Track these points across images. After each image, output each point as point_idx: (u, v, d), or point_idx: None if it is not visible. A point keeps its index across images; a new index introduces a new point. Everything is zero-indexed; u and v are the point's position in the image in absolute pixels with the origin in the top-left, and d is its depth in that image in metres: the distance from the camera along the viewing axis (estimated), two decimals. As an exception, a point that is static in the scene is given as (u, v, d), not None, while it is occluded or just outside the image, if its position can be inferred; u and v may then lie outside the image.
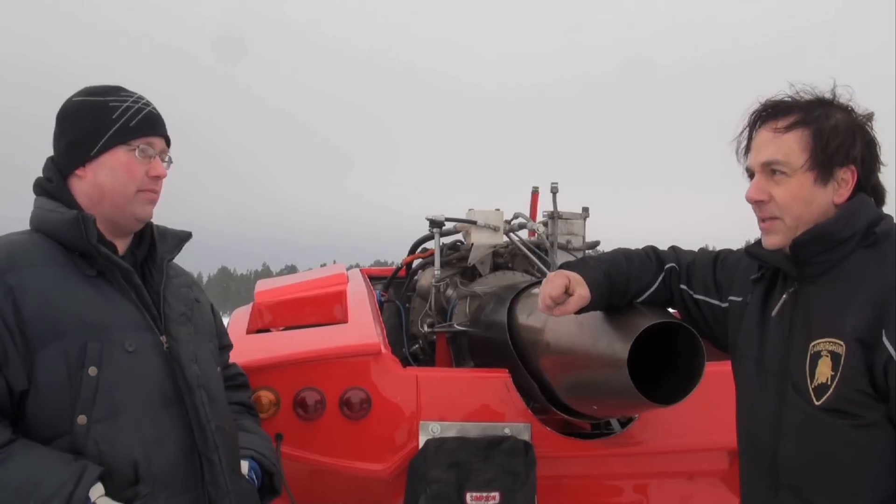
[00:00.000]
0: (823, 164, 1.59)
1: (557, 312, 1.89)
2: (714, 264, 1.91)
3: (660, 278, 1.96)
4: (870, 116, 1.64)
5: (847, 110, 1.63)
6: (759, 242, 1.71)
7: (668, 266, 1.97)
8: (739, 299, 1.81)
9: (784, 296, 1.66)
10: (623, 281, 1.93)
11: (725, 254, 1.92)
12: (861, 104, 1.64)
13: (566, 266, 1.96)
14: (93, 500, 1.47)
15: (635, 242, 2.06)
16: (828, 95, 1.64)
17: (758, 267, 1.76)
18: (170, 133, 1.78)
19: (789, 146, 1.60)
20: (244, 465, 1.83)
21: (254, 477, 1.85)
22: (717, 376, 2.06)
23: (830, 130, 1.59)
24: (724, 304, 1.85)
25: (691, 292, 1.92)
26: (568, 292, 1.86)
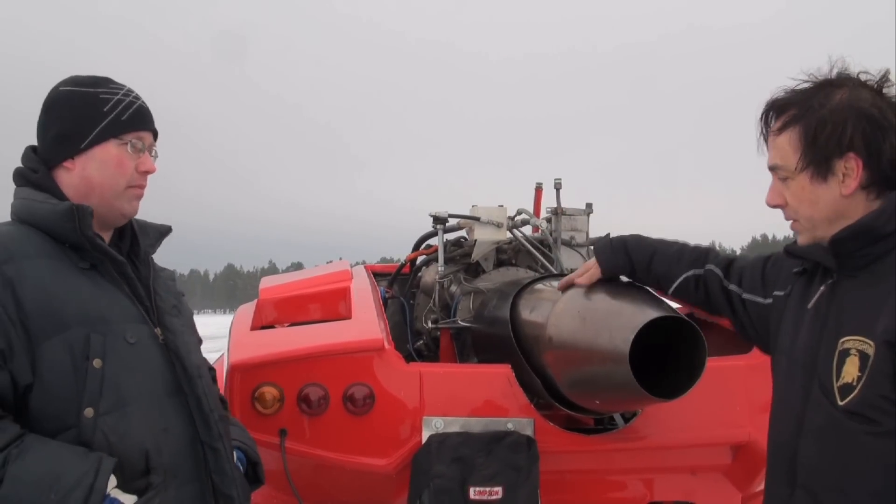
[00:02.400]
0: (817, 160, 1.51)
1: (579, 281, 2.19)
2: (765, 262, 1.86)
3: (690, 273, 1.95)
4: (883, 79, 1.51)
5: (848, 87, 1.52)
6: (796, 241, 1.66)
7: (708, 266, 1.93)
8: (782, 293, 1.74)
9: (822, 287, 1.57)
10: (646, 260, 2.02)
11: (778, 254, 1.86)
12: (871, 66, 1.52)
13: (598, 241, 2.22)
14: (107, 491, 1.47)
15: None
16: (831, 75, 1.55)
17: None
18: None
19: (783, 149, 1.55)
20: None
21: (240, 467, 1.85)
22: (720, 371, 2.06)
23: (818, 123, 1.50)
24: (768, 301, 1.79)
25: (740, 292, 1.86)
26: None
